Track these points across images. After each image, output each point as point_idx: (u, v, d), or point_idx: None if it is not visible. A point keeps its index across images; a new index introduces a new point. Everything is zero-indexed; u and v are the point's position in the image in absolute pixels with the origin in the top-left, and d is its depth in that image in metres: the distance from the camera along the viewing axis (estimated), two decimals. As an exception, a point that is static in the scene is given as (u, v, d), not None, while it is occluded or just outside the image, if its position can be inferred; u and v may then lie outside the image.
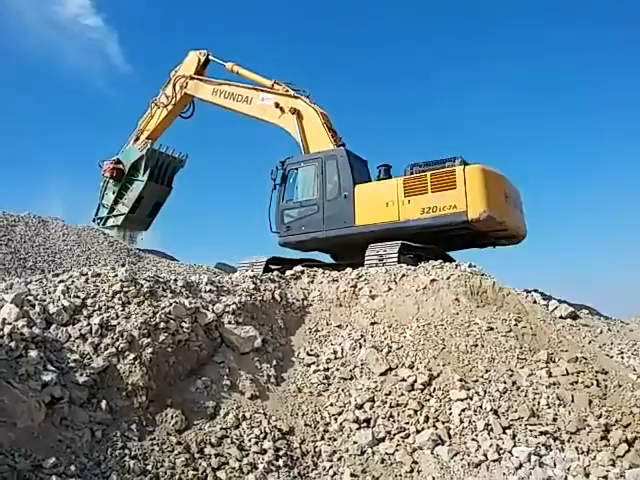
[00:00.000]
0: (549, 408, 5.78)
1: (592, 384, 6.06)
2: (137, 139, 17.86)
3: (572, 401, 5.85)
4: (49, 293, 5.84)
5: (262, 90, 14.39)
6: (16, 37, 54.21)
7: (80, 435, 4.41)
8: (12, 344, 4.62)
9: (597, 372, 6.28)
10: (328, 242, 12.07)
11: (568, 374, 6.22)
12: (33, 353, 4.67)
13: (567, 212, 51.38)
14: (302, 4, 59.75)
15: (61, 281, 6.23)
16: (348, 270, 9.58)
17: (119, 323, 5.57)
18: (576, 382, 6.10)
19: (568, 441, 5.38)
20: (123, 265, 11.36)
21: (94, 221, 18.54)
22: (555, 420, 5.63)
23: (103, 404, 4.77)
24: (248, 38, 55.17)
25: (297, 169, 12.54)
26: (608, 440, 5.34)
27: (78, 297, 5.79)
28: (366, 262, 10.37)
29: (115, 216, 18.33)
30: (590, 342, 7.19)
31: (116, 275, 6.36)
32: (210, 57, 16.71)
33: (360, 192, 11.56)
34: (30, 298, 5.49)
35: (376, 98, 57.42)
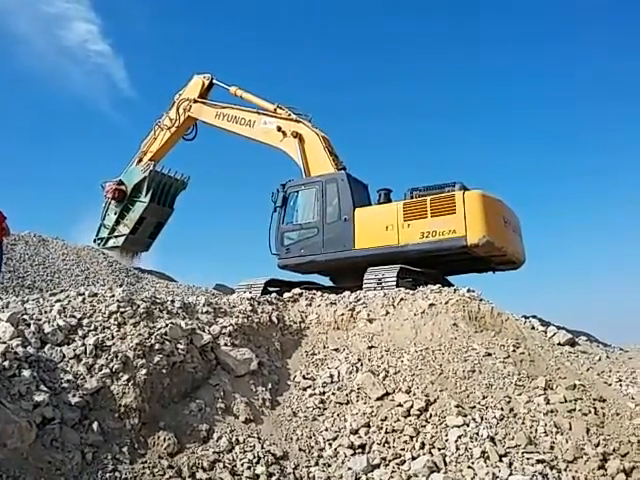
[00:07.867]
0: (546, 436, 5.71)
1: (590, 412, 6.00)
2: (140, 160, 18.05)
3: (570, 429, 5.77)
4: (45, 312, 5.82)
5: (265, 114, 14.57)
6: (24, 61, 55.17)
7: (70, 457, 4.34)
8: (6, 363, 4.59)
9: (595, 400, 6.22)
10: (327, 265, 12.08)
11: (566, 401, 6.15)
12: (26, 373, 4.63)
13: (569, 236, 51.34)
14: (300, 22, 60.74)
15: (58, 300, 6.22)
16: (346, 293, 9.56)
17: (114, 344, 5.53)
18: (574, 410, 6.04)
19: (565, 470, 5.28)
20: (121, 285, 11.36)
21: (95, 241, 18.61)
22: (552, 448, 5.54)
23: (95, 426, 4.70)
24: (252, 61, 56.04)
25: (298, 192, 12.63)
26: (606, 469, 5.25)
27: (74, 317, 5.77)
28: (365, 286, 10.35)
29: (116, 237, 18.40)
30: (588, 369, 7.13)
31: (113, 295, 6.36)
32: (214, 81, 16.99)
33: (360, 216, 11.60)
34: (26, 317, 5.48)
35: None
